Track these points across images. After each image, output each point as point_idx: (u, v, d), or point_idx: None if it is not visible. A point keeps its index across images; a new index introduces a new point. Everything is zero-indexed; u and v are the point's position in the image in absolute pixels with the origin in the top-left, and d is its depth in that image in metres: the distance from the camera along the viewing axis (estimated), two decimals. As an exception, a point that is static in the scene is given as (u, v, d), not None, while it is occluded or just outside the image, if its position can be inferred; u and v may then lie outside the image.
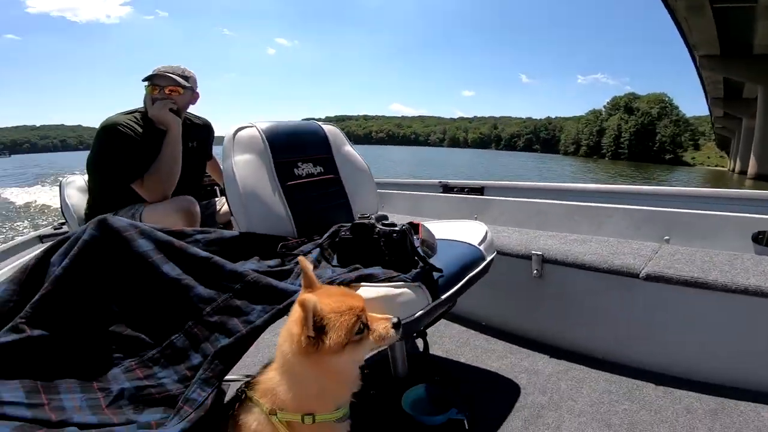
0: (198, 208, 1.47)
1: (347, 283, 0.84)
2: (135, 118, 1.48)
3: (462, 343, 1.53)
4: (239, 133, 1.23)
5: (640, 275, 1.26)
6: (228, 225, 1.67)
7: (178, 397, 0.78)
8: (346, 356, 0.70)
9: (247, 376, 0.81)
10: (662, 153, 51.43)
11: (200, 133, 1.69)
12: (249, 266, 0.93)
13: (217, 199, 1.86)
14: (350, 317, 0.69)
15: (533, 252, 1.47)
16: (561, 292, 1.46)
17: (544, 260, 1.46)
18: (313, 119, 1.59)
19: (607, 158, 56.07)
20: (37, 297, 0.80)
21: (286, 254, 1.03)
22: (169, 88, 1.50)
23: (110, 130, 1.41)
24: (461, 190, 2.23)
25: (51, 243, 0.91)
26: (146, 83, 1.51)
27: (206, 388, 0.76)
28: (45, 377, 0.75)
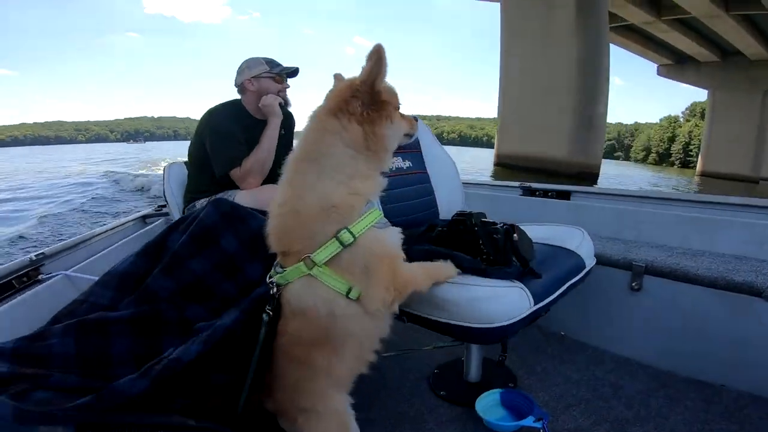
0: None
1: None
2: (233, 109, 1.54)
3: (539, 351, 1.47)
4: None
5: (764, 294, 1.12)
6: None
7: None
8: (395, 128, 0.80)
9: None
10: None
11: (288, 122, 1.68)
12: None
13: None
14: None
15: (634, 262, 1.35)
16: (662, 308, 1.33)
17: (647, 272, 1.33)
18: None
19: (676, 166, 49.18)
20: (157, 269, 0.97)
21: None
22: (282, 83, 1.56)
23: (212, 121, 1.48)
24: (544, 193, 2.09)
25: (173, 222, 1.09)
26: (266, 72, 1.53)
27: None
28: (155, 332, 0.90)
